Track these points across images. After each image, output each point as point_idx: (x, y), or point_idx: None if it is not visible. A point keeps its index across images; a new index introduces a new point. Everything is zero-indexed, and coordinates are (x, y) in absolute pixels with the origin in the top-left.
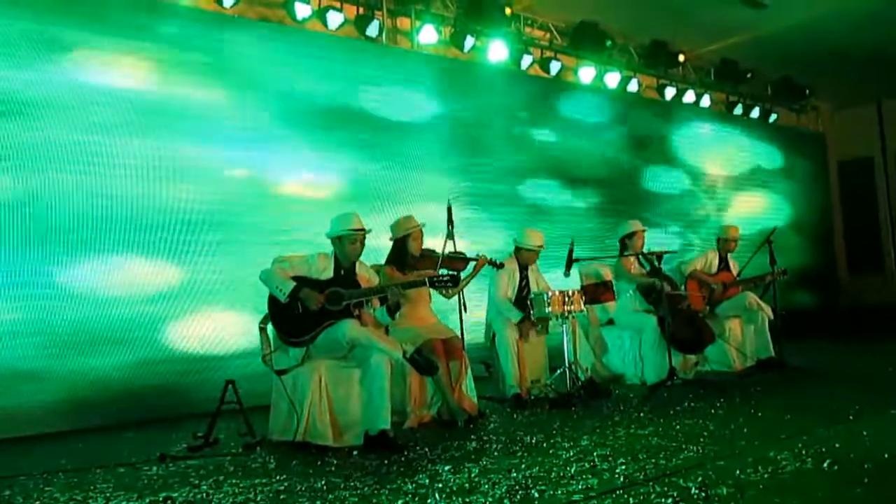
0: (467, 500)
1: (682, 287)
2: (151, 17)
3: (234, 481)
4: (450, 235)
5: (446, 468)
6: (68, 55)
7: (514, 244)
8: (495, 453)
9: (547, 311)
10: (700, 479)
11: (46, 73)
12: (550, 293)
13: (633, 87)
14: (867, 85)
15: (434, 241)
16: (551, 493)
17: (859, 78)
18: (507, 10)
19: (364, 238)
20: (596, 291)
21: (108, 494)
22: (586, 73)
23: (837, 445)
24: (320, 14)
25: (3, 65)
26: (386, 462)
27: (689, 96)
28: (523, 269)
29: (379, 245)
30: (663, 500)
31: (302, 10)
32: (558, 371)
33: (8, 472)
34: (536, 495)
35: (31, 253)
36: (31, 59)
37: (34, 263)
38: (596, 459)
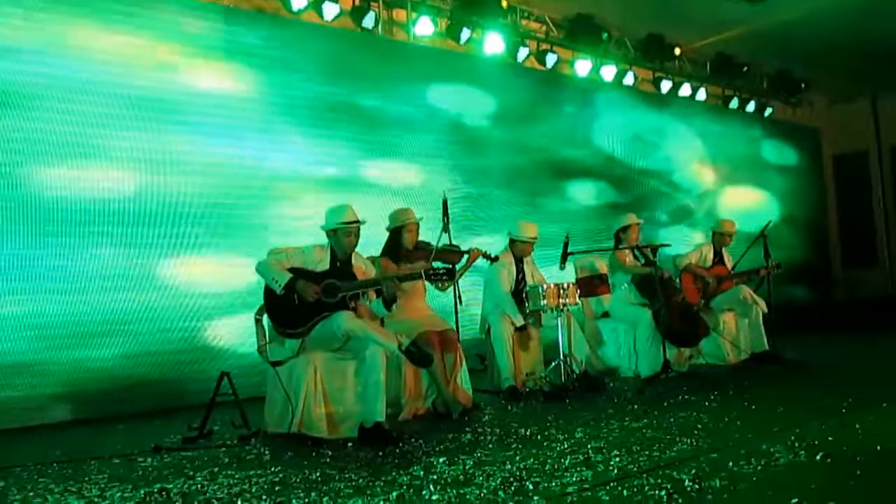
0: (462, 491)
1: (677, 281)
2: (146, 7)
3: (229, 473)
4: (445, 228)
5: (441, 460)
6: (63, 47)
7: (509, 237)
8: (490, 445)
9: (542, 303)
10: (694, 471)
11: (42, 64)
12: (545, 286)
13: (629, 80)
14: (862, 79)
15: (430, 235)
16: (546, 484)
17: (855, 72)
18: (504, 3)
19: (359, 230)
20: (591, 284)
21: (102, 486)
22: (582, 66)
23: (830, 438)
24: (316, 5)
25: None
26: (381, 454)
27: (685, 90)
28: (519, 262)
29: (374, 236)
30: (657, 492)
31: (297, 1)
32: (553, 364)
33: (2, 464)
34: (531, 487)
35: (24, 245)
36: (27, 51)
37: (28, 255)
38: (590, 451)
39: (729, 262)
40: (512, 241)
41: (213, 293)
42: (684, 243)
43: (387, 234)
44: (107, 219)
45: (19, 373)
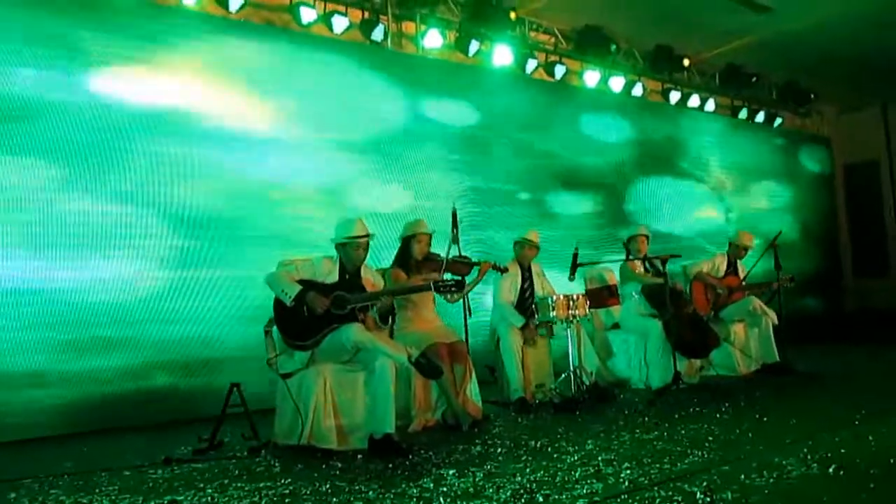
0: None
1: (688, 290)
2: (157, 22)
3: (238, 485)
4: (454, 240)
5: (451, 472)
6: (74, 59)
7: (513, 243)
8: (500, 457)
9: (551, 315)
10: (705, 483)
11: (53, 77)
12: (555, 297)
13: (637, 91)
14: (873, 88)
15: (439, 247)
16: (556, 497)
17: (865, 81)
18: (512, 15)
19: (368, 243)
20: (600, 296)
21: (113, 497)
22: (591, 78)
23: (843, 450)
24: (325, 18)
25: (13, 69)
26: (390, 466)
27: (694, 100)
28: (526, 271)
29: (380, 248)
30: None
31: (307, 15)
32: (563, 375)
33: (13, 475)
34: (541, 499)
35: (36, 254)
36: (38, 64)
37: (39, 265)
38: (601, 464)
39: (742, 272)
40: (514, 245)
41: (222, 304)
42: (694, 254)
43: (396, 245)
44: (117, 228)
45: (30, 384)
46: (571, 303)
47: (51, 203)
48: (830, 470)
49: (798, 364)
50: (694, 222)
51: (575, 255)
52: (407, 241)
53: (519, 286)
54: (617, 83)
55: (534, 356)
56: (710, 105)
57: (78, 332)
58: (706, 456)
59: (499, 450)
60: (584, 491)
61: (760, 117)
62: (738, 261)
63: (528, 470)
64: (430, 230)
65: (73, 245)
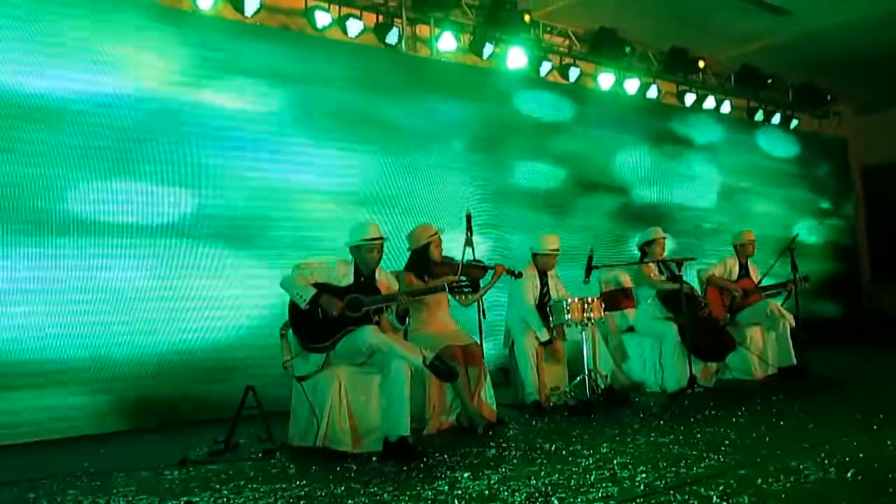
0: None
1: (703, 294)
2: (174, 26)
3: (254, 486)
4: (469, 243)
5: (465, 475)
6: (90, 62)
7: (531, 251)
8: (514, 460)
9: (566, 318)
10: (721, 487)
11: (70, 79)
12: (569, 300)
13: (652, 93)
14: (890, 90)
15: (453, 249)
16: (571, 500)
17: (882, 83)
18: (526, 17)
19: (382, 246)
20: (615, 298)
21: (130, 498)
22: (605, 80)
23: (861, 455)
24: (340, 22)
25: (24, 70)
26: (405, 468)
27: (710, 102)
28: (542, 275)
29: (396, 250)
30: None
31: (322, 19)
32: (578, 378)
33: (32, 475)
34: (556, 503)
35: (51, 255)
36: (53, 65)
37: (53, 267)
38: (616, 467)
39: (755, 275)
40: (534, 255)
41: (238, 305)
42: (711, 256)
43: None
44: (131, 230)
45: (47, 386)
46: (586, 305)
47: (65, 203)
48: (848, 474)
49: (815, 367)
50: (708, 224)
51: (590, 258)
52: (424, 249)
53: (538, 290)
54: (632, 85)
55: (550, 358)
56: (726, 107)
57: (95, 335)
58: (722, 460)
59: (513, 453)
60: (600, 494)
61: (777, 119)
62: (750, 262)
63: (542, 473)
64: (440, 228)
65: (88, 245)
